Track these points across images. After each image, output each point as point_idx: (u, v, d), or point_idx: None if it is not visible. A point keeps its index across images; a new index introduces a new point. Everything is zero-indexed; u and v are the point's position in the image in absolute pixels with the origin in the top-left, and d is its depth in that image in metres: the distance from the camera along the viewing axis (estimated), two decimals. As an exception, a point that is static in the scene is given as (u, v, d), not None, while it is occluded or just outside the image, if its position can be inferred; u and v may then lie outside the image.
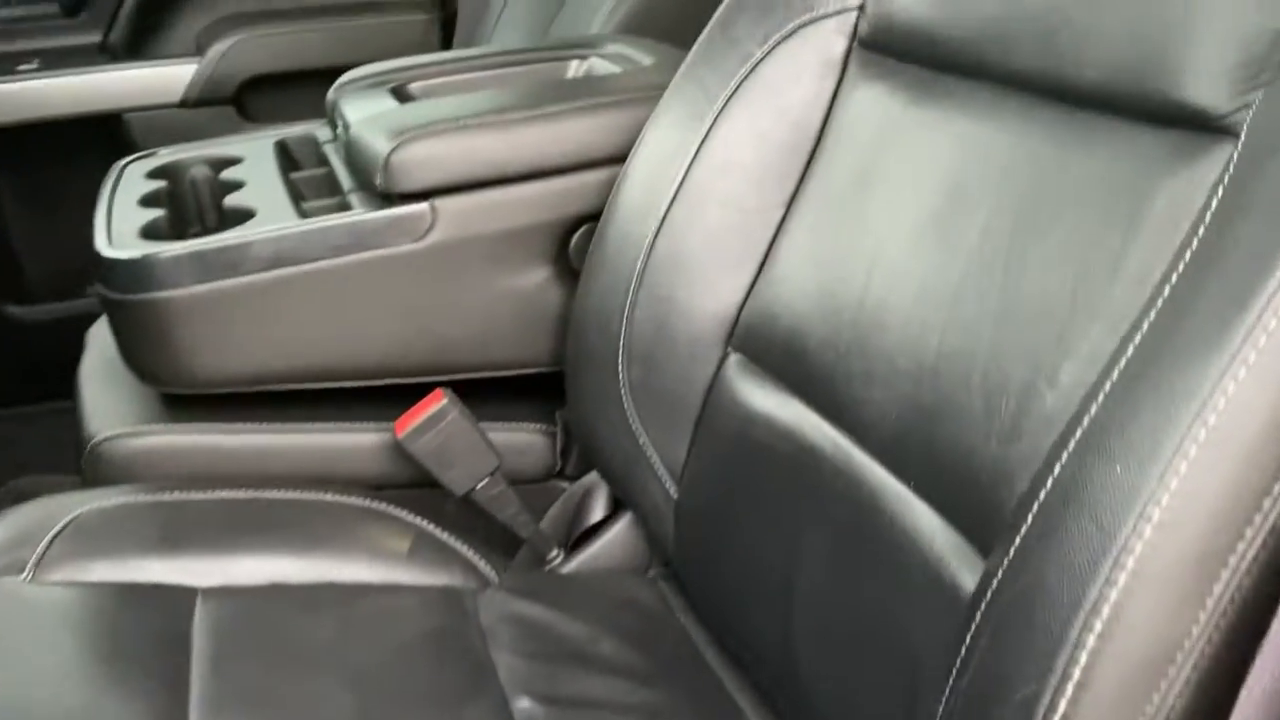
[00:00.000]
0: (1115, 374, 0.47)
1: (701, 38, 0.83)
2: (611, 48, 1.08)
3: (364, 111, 0.94)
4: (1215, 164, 0.49)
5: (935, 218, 0.65)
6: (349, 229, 0.85)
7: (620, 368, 0.82)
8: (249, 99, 1.76)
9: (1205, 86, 0.50)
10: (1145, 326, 0.47)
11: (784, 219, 0.78)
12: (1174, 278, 0.47)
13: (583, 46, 1.10)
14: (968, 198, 0.63)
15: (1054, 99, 0.60)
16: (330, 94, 1.04)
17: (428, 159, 0.84)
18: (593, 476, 0.90)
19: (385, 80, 1.04)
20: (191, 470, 0.89)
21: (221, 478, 0.86)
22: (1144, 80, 0.53)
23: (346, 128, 0.93)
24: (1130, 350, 0.47)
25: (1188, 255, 0.47)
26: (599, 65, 1.07)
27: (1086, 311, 0.53)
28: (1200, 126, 0.50)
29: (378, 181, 0.85)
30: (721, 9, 0.82)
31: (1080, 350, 0.52)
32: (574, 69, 1.08)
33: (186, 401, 0.91)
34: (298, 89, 1.76)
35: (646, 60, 1.00)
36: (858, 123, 0.75)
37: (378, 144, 0.85)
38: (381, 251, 0.85)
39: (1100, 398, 0.47)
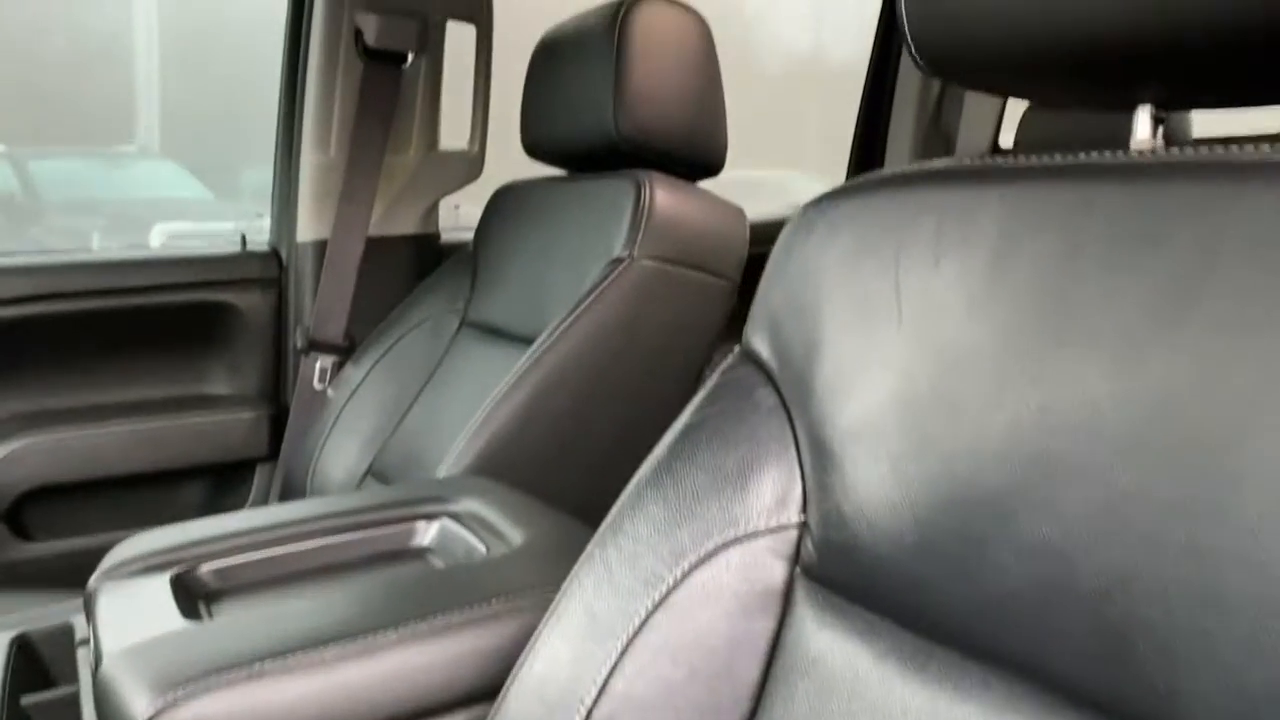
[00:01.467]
0: None
1: (588, 550, 0.63)
2: (465, 503, 0.88)
3: (124, 629, 0.68)
4: None
5: None
6: None
7: None
8: (28, 514, 1.48)
9: None
10: None
11: (715, 811, 0.56)
12: None
13: (430, 501, 0.89)
14: None
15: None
16: (91, 581, 0.79)
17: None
18: None
19: (167, 560, 0.80)
20: None
21: None
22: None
23: (98, 658, 0.67)
24: None
25: None
26: (451, 531, 0.85)
27: None
28: None
29: None
30: (612, 515, 0.63)
31: None
32: (420, 533, 0.87)
33: None
34: (91, 499, 1.50)
35: (515, 536, 0.80)
36: (816, 684, 0.54)
37: (134, 706, 0.60)
38: None
39: None
